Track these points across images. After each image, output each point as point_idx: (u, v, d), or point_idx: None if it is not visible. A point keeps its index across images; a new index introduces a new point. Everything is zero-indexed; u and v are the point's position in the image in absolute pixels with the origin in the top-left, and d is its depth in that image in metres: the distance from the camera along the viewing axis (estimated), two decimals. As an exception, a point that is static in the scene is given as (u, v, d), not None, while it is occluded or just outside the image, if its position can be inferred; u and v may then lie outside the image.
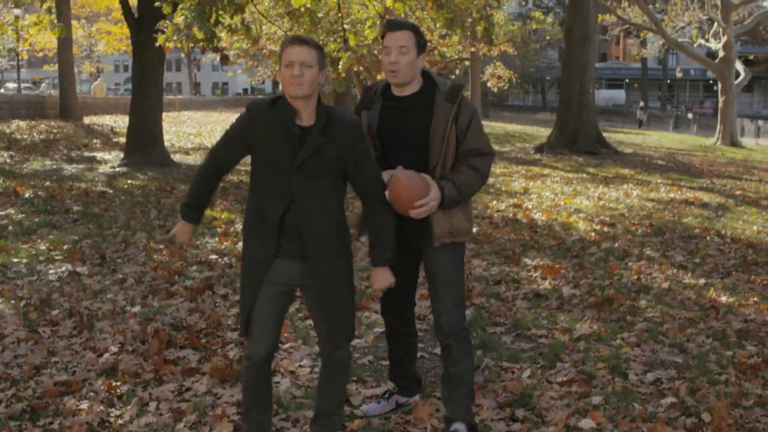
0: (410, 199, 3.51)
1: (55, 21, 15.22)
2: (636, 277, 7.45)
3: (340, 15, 14.97)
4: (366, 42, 16.90)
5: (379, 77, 34.06)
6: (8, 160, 15.54)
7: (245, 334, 3.51)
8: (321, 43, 15.07)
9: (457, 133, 3.68)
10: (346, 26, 14.60)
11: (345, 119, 3.44)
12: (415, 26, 3.71)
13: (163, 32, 11.56)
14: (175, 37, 11.44)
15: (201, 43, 11.75)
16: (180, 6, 11.36)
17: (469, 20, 14.31)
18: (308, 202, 3.36)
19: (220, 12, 11.84)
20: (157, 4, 11.88)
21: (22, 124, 23.10)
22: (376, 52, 21.67)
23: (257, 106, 3.43)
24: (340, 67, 13.99)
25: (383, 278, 3.59)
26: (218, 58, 12.77)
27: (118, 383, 4.57)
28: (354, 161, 3.43)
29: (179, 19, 11.12)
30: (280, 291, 3.46)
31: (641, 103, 54.21)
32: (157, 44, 11.79)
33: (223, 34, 12.80)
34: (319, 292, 3.45)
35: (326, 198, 3.42)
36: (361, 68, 24.23)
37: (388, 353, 4.30)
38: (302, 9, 14.13)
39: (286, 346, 5.23)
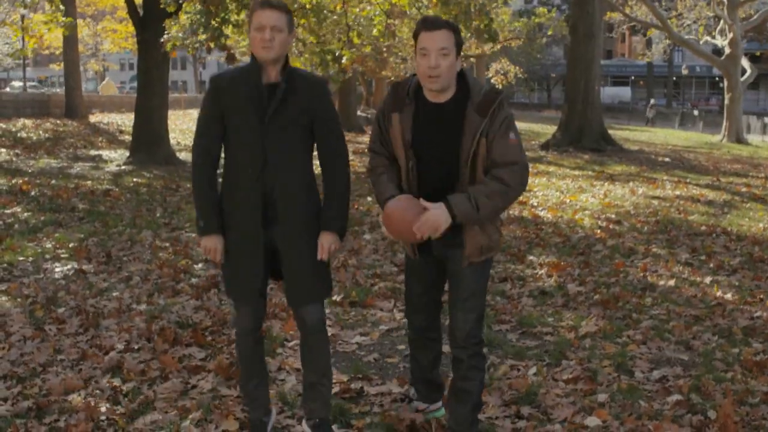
0: (406, 227, 3.34)
1: (62, 18, 15.24)
2: (642, 274, 7.43)
3: (344, 10, 14.95)
4: (369, 40, 16.88)
5: (384, 73, 33.97)
6: (14, 159, 15.58)
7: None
8: (325, 39, 15.13)
9: (488, 145, 3.36)
10: (349, 24, 14.60)
11: (310, 77, 3.55)
12: (454, 24, 3.40)
13: (167, 35, 11.60)
14: (179, 42, 11.48)
15: (207, 43, 11.79)
16: (184, 7, 11.38)
17: (473, 21, 14.23)
18: (280, 156, 3.42)
19: (229, 8, 11.86)
20: (162, 5, 11.91)
21: (28, 122, 23.16)
22: (382, 49, 21.63)
23: (220, 75, 3.54)
24: (343, 62, 14.00)
25: (330, 240, 3.53)
26: (225, 58, 12.82)
27: (124, 381, 4.58)
28: (319, 122, 3.49)
29: (183, 19, 11.16)
30: (264, 252, 3.52)
31: (651, 101, 53.81)
32: (163, 50, 11.83)
33: (229, 31, 12.81)
34: (290, 250, 3.50)
35: (297, 151, 3.47)
36: (365, 67, 24.22)
37: (410, 358, 4.14)
38: (308, 6, 14.13)
39: (292, 343, 5.23)
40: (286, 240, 3.50)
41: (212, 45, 12.23)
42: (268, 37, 3.32)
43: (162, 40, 12.06)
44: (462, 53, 3.57)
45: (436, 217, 3.31)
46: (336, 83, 15.56)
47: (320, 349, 3.70)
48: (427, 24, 3.36)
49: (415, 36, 3.41)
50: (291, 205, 3.47)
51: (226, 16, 12.08)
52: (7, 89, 45.94)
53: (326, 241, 3.52)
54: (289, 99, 3.40)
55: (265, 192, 3.43)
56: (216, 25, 11.79)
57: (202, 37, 11.31)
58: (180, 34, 11.50)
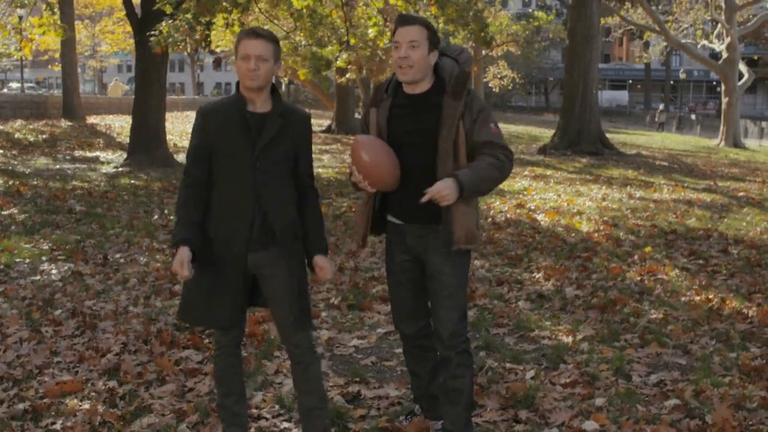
0: (373, 155, 3.44)
1: (59, 22, 15.24)
2: (639, 278, 7.43)
3: (345, 9, 14.94)
4: (368, 42, 16.86)
5: (382, 78, 34.03)
6: (11, 160, 15.56)
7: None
8: (321, 41, 15.12)
9: (466, 131, 3.50)
10: (347, 26, 14.60)
11: (299, 111, 3.60)
12: (427, 21, 3.54)
13: (155, 35, 11.60)
14: (163, 41, 11.48)
15: (195, 45, 11.84)
16: (182, 7, 11.39)
17: (468, 26, 14.20)
18: (272, 190, 3.45)
19: (220, 14, 11.87)
20: (157, 6, 11.91)
21: (25, 123, 23.11)
22: (380, 53, 21.65)
23: (206, 107, 3.56)
24: (338, 63, 13.97)
25: (325, 264, 3.56)
26: (213, 62, 12.93)
27: (121, 384, 4.57)
28: (301, 154, 3.55)
29: (175, 21, 11.17)
30: (244, 279, 3.53)
31: (661, 106, 53.46)
32: (152, 48, 11.83)
33: (221, 33, 12.86)
34: (275, 276, 3.51)
35: (287, 185, 3.52)
36: (364, 71, 24.17)
37: (409, 374, 4.09)
38: (304, 10, 14.13)
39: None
40: (273, 267, 3.50)
41: (201, 47, 12.28)
42: (252, 66, 3.34)
43: (150, 38, 12.06)
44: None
45: (449, 188, 3.37)
46: (326, 89, 15.57)
47: (314, 371, 3.69)
48: (401, 20, 3.54)
49: (393, 33, 3.58)
50: (279, 231, 3.46)
51: (212, 21, 12.09)
52: (5, 90, 45.88)
53: (321, 265, 3.55)
54: (276, 129, 3.44)
55: (253, 218, 3.43)
56: (202, 28, 11.82)
57: (189, 37, 11.32)
58: (167, 33, 11.49)
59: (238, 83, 3.47)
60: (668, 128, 48.59)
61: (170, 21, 11.55)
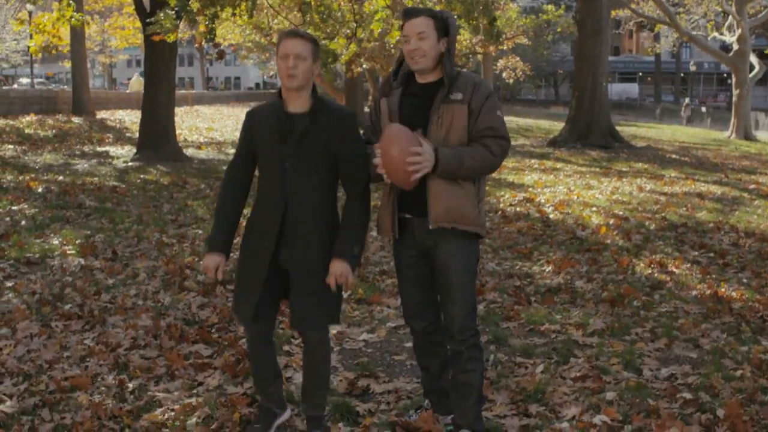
0: (400, 147, 3.38)
1: (74, 12, 15.20)
2: (649, 271, 7.40)
3: (351, 6, 14.91)
4: (375, 36, 16.81)
5: (391, 69, 33.99)
6: (21, 155, 15.60)
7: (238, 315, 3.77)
8: (329, 35, 15.11)
9: (470, 115, 3.52)
10: (356, 20, 14.57)
11: (336, 110, 3.63)
12: (432, 11, 3.58)
13: (152, 23, 11.61)
14: (161, 30, 11.48)
15: (199, 38, 11.89)
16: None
17: (476, 20, 14.08)
18: (299, 190, 3.54)
19: (227, 8, 11.85)
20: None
21: (35, 119, 23.18)
22: (387, 46, 21.59)
23: (254, 108, 3.75)
24: (342, 57, 13.92)
25: (342, 268, 3.55)
26: (216, 54, 12.95)
27: (130, 378, 4.58)
28: (344, 160, 3.58)
29: (173, 13, 11.18)
30: (276, 274, 3.63)
31: (686, 100, 52.83)
32: (149, 34, 11.84)
33: (230, 28, 12.87)
34: (298, 275, 3.59)
35: (320, 186, 3.57)
36: (372, 64, 24.11)
37: (419, 368, 4.07)
38: (312, 3, 14.10)
39: (298, 340, 5.22)
40: (296, 264, 3.59)
41: (203, 41, 12.28)
42: (291, 65, 3.46)
43: (148, 26, 12.11)
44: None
45: (430, 156, 3.40)
46: (330, 81, 15.52)
47: (318, 364, 3.79)
48: (406, 14, 3.60)
49: (401, 28, 3.62)
50: (303, 231, 3.56)
51: (217, 12, 12.07)
52: (15, 86, 46.01)
53: (335, 269, 3.55)
54: (312, 133, 3.52)
55: (284, 215, 3.54)
56: (206, 20, 11.82)
57: (192, 31, 11.37)
58: (168, 22, 11.50)
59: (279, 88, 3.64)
60: (667, 120, 47.96)
61: (171, 12, 11.55)
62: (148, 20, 12.39)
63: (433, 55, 3.53)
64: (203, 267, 3.69)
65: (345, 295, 6.39)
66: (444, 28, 3.56)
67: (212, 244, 3.70)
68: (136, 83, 38.10)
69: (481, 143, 3.52)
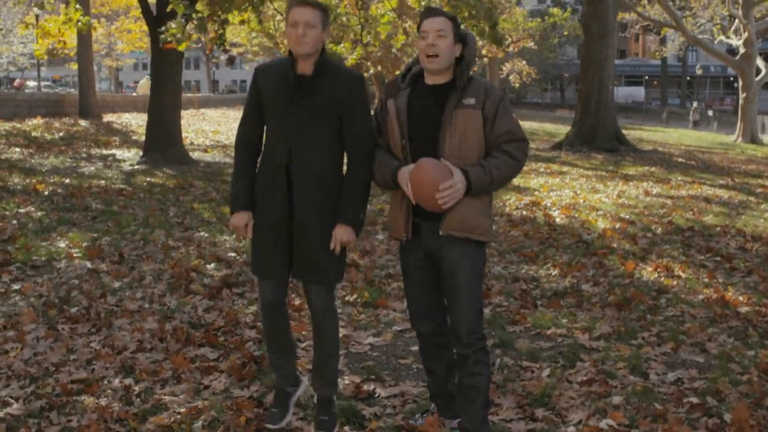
0: (432, 186, 3.40)
1: (81, 16, 15.24)
2: (656, 275, 7.38)
3: (358, 9, 14.91)
4: (380, 41, 16.80)
5: (397, 72, 34.08)
6: (28, 158, 15.64)
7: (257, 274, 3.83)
8: (335, 39, 15.14)
9: (485, 121, 3.54)
10: (362, 23, 14.57)
11: (344, 71, 3.73)
12: (452, 15, 3.62)
13: (162, 32, 11.63)
14: (171, 38, 11.50)
15: (208, 45, 11.89)
16: (195, 7, 11.41)
17: (479, 24, 14.09)
18: (302, 142, 3.60)
19: (235, 12, 11.87)
20: (170, 7, 11.93)
21: (42, 122, 23.23)
22: (394, 50, 21.63)
23: (263, 65, 3.81)
24: (349, 60, 13.93)
25: (345, 233, 3.64)
26: (226, 60, 12.94)
27: (136, 381, 4.58)
28: (347, 118, 3.63)
29: (185, 22, 11.20)
30: (288, 229, 3.69)
31: (694, 104, 53.09)
32: (161, 43, 11.86)
33: (237, 30, 12.92)
34: (301, 230, 3.64)
35: (320, 139, 3.63)
36: (379, 67, 24.13)
37: (425, 372, 4.07)
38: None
39: (305, 344, 5.22)
40: (299, 220, 3.64)
41: (213, 47, 12.30)
42: (300, 32, 3.51)
43: (160, 35, 12.11)
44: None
45: (462, 183, 3.44)
46: None
47: (326, 330, 3.84)
48: (428, 12, 3.62)
49: (419, 26, 3.63)
50: (306, 188, 3.62)
51: (227, 19, 12.09)
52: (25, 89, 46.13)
53: (339, 234, 3.63)
54: (317, 89, 3.58)
55: (289, 173, 3.61)
56: (215, 26, 11.83)
57: (201, 36, 11.38)
58: (175, 30, 11.51)
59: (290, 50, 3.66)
60: (673, 124, 47.95)
61: (181, 19, 11.56)
62: (158, 29, 12.40)
63: (447, 55, 3.54)
64: (232, 226, 3.78)
65: (352, 298, 6.39)
66: (461, 34, 3.59)
67: (236, 202, 3.76)
68: (145, 85, 38.13)
69: (501, 149, 3.55)
